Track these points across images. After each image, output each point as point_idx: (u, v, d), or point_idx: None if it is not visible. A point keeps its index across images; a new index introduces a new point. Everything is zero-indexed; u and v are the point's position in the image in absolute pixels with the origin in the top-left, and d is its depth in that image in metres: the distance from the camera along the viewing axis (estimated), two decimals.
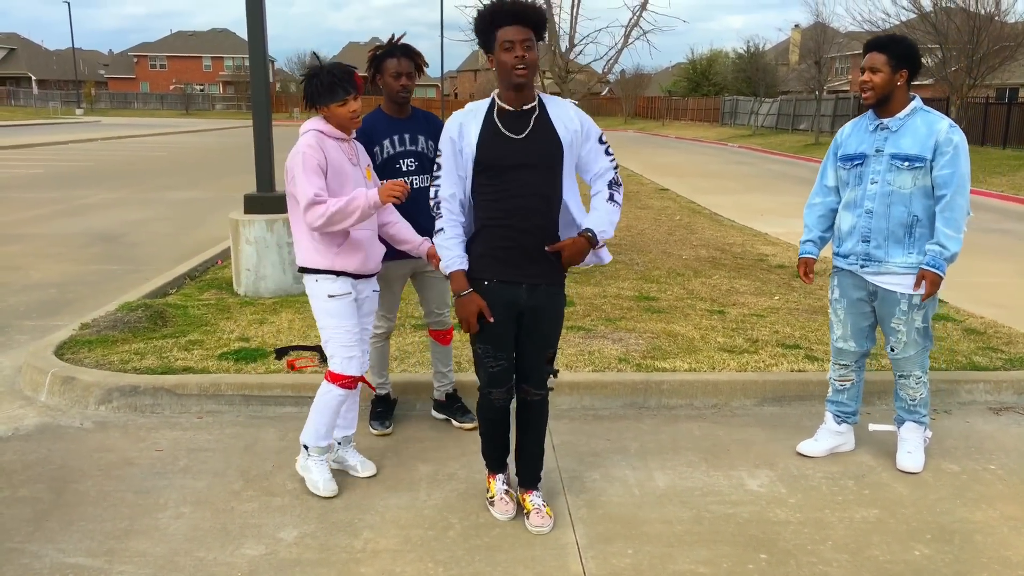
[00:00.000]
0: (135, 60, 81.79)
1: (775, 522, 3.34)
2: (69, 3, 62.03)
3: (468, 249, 3.12)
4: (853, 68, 48.78)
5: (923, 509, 3.47)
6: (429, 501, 3.45)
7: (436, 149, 3.47)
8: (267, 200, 6.56)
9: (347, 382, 3.43)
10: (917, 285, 3.57)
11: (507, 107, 3.02)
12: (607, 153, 3.15)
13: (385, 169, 3.83)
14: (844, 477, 3.75)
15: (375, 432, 4.16)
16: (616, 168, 3.17)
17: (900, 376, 3.80)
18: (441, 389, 4.30)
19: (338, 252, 3.37)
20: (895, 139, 3.56)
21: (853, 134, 3.74)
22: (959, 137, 3.48)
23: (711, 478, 3.73)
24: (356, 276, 3.44)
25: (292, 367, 4.70)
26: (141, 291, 6.44)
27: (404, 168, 3.86)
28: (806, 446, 4.00)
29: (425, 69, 3.92)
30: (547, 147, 3.02)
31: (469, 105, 3.11)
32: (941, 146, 3.47)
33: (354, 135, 3.54)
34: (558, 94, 7.86)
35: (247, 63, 7.16)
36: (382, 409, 4.25)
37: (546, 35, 3.01)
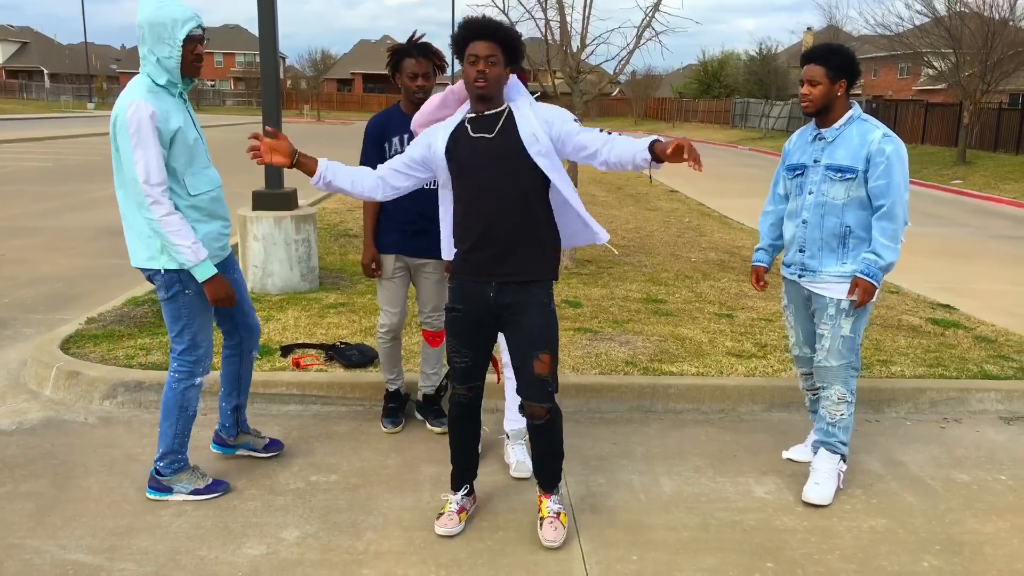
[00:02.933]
0: None
1: (782, 530, 3.30)
2: None
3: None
4: (866, 72, 48.54)
5: (932, 519, 3.43)
6: (433, 503, 3.43)
7: None
8: (275, 197, 6.55)
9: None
10: (850, 292, 3.49)
11: (474, 114, 3.04)
12: (585, 129, 3.01)
13: None
14: (852, 486, 3.71)
15: (386, 430, 4.14)
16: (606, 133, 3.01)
17: (822, 387, 3.67)
18: (422, 390, 4.27)
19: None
20: (831, 150, 3.51)
21: (797, 144, 3.71)
22: (892, 147, 3.40)
23: (718, 484, 3.69)
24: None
25: (297, 365, 4.68)
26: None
27: None
28: (796, 451, 3.97)
29: (444, 69, 3.91)
30: (517, 146, 2.96)
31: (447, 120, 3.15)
32: (874, 156, 3.40)
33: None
34: (568, 94, 7.82)
35: (258, 59, 7.15)
36: (394, 406, 4.22)
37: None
